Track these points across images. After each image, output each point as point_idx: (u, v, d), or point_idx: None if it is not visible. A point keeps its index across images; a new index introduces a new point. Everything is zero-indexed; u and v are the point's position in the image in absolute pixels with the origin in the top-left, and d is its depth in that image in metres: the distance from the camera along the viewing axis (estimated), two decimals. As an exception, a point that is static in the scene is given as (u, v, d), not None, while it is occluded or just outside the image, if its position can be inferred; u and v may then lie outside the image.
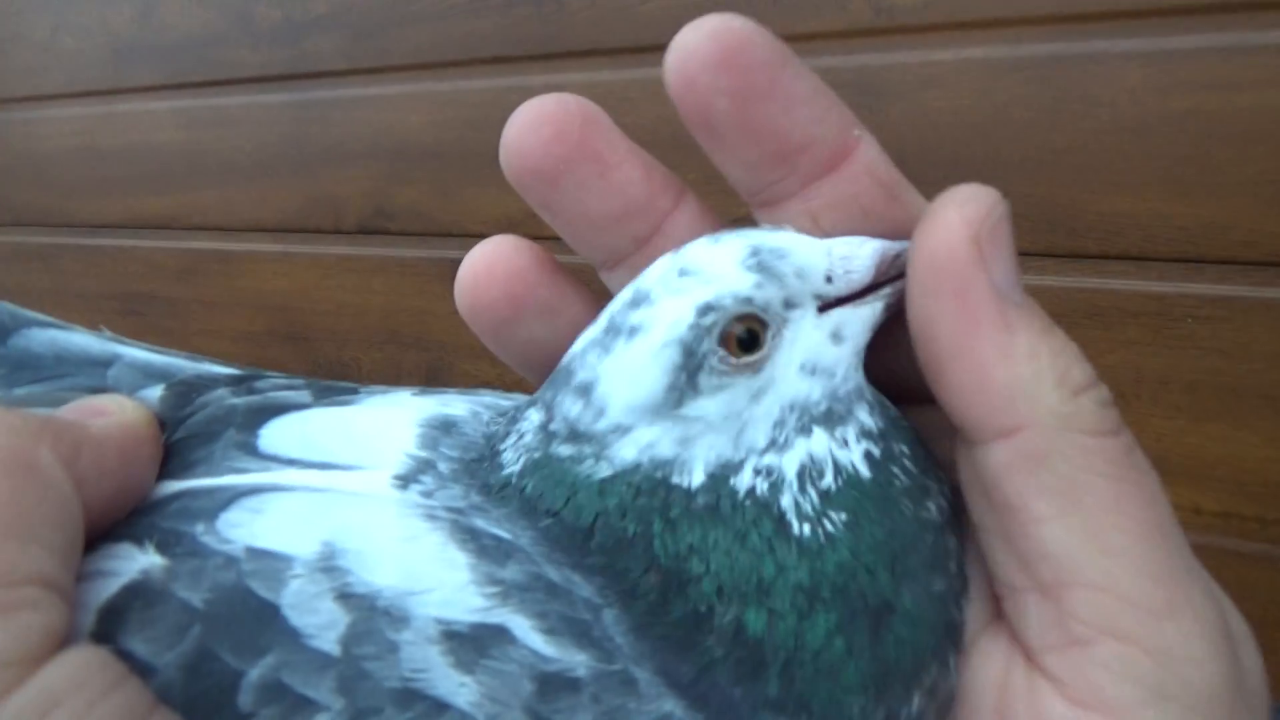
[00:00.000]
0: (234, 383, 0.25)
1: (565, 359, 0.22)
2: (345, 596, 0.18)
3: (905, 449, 0.21)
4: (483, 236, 0.77)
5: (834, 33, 0.67)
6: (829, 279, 0.21)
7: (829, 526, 0.20)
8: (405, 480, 0.21)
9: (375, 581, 0.18)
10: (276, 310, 1.01)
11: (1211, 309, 0.60)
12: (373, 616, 0.18)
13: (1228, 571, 0.63)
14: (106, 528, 0.20)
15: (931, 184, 0.65)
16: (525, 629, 0.18)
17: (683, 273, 0.21)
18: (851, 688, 0.19)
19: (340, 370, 0.98)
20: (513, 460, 0.21)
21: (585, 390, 0.21)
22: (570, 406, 0.21)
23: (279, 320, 1.01)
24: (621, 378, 0.20)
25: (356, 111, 0.90)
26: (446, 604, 0.18)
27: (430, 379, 0.93)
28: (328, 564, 0.18)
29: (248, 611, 0.18)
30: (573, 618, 0.18)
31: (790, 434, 0.21)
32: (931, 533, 0.21)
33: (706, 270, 0.21)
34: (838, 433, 0.21)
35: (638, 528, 0.19)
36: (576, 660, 0.18)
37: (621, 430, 0.20)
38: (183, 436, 0.23)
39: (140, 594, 0.19)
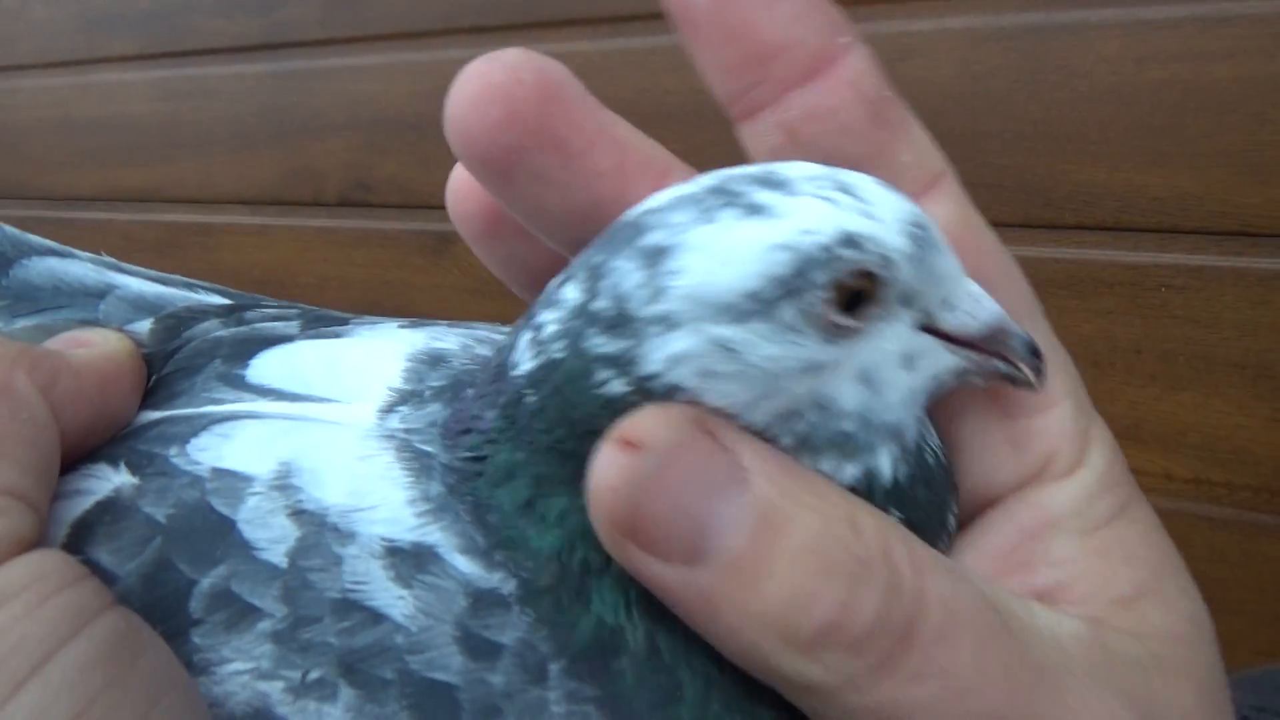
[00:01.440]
0: (225, 313, 0.25)
1: (631, 213, 0.19)
2: (297, 513, 0.19)
3: (904, 515, 0.19)
4: (463, 208, 0.76)
5: (814, 2, 0.67)
6: (952, 305, 0.19)
7: None
8: (386, 413, 0.20)
9: (325, 499, 0.19)
10: (256, 284, 1.00)
11: (1185, 278, 0.60)
12: (320, 531, 0.18)
13: (1198, 536, 0.65)
14: (86, 452, 0.21)
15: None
16: (449, 549, 0.18)
17: (843, 189, 0.18)
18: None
19: (321, 343, 0.99)
20: (526, 359, 0.18)
21: (656, 256, 0.17)
22: (629, 275, 0.17)
23: (259, 293, 1.01)
24: (713, 255, 0.17)
25: (335, 82, 0.89)
26: (389, 521, 0.18)
27: (412, 351, 0.93)
28: (283, 482, 0.19)
29: (206, 525, 0.19)
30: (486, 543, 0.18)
31: (793, 436, 0.18)
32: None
33: (872, 204, 0.18)
34: (840, 463, 0.18)
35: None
36: (500, 580, 0.18)
37: (665, 325, 0.17)
38: (170, 370, 0.23)
39: (110, 509, 0.19)
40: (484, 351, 0.22)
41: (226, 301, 0.26)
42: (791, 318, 0.17)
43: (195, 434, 0.20)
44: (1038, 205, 0.63)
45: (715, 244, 0.17)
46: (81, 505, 0.20)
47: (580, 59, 0.77)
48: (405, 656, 0.17)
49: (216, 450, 0.20)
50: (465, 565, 0.18)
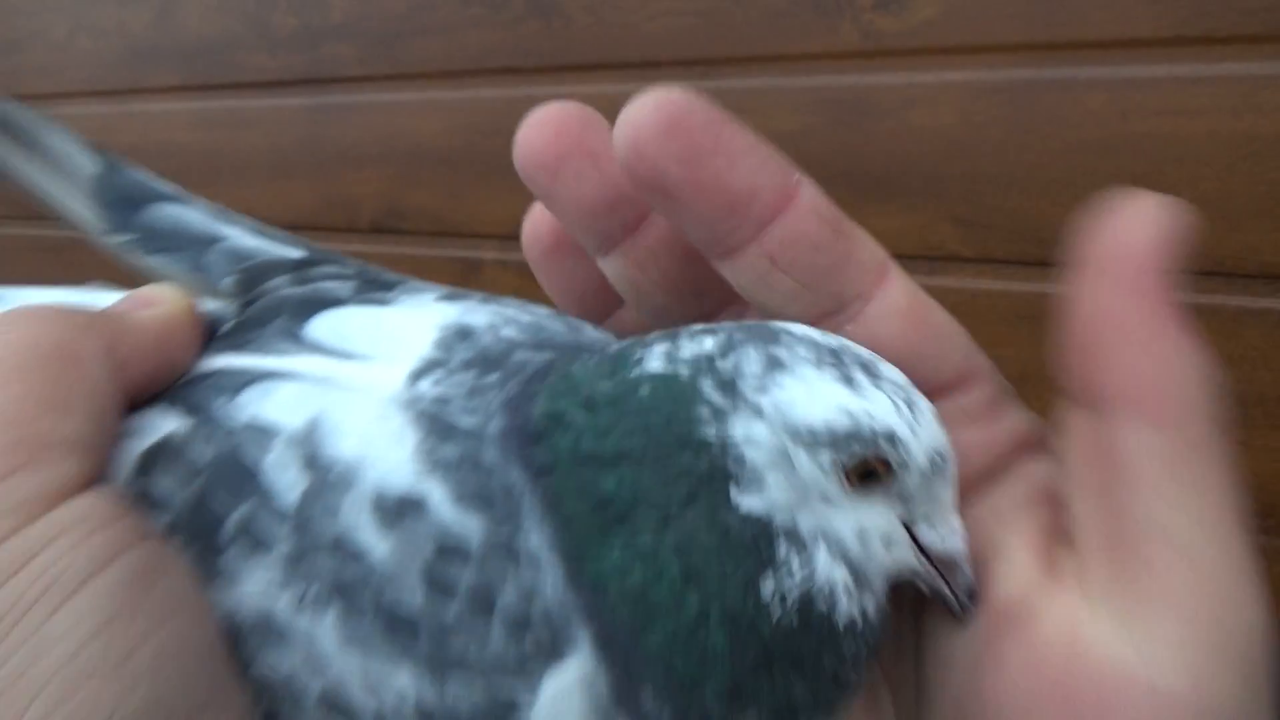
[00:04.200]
0: (293, 269, 0.29)
1: (779, 325, 0.24)
2: (311, 464, 0.22)
3: (867, 627, 0.23)
4: (492, 238, 0.83)
5: (824, 54, 0.73)
6: (933, 524, 0.23)
7: (793, 617, 0.21)
8: (416, 376, 0.24)
9: (337, 453, 0.22)
10: (290, 304, 1.06)
11: (1164, 314, 0.65)
12: (327, 481, 0.22)
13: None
14: (151, 395, 0.25)
15: (914, 194, 0.72)
16: (439, 499, 0.21)
17: (910, 403, 0.23)
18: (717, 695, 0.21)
19: (352, 362, 1.03)
20: (657, 361, 0.23)
21: (775, 365, 0.22)
22: (752, 363, 0.22)
23: (292, 313, 1.06)
24: (808, 391, 0.22)
25: (371, 116, 0.95)
26: (386, 475, 0.22)
27: (439, 371, 0.98)
28: (306, 436, 0.22)
29: (238, 470, 0.22)
30: (484, 493, 0.21)
31: (827, 548, 0.22)
32: (856, 670, 0.23)
33: (921, 425, 0.22)
34: (846, 577, 0.22)
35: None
36: (473, 530, 0.21)
37: (755, 413, 0.22)
38: (245, 318, 0.27)
39: (167, 448, 0.23)
40: (509, 332, 0.25)
41: (299, 255, 0.30)
42: (826, 461, 0.21)
43: (243, 388, 0.24)
44: (1031, 244, 0.68)
45: (813, 385, 0.22)
46: (145, 442, 0.24)
47: (606, 101, 0.82)
48: (381, 589, 0.21)
49: (257, 405, 0.23)
50: (448, 514, 0.21)
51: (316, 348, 0.25)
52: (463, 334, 0.25)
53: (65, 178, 0.30)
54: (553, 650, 0.20)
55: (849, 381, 0.22)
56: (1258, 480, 0.65)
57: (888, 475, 0.22)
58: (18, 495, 0.19)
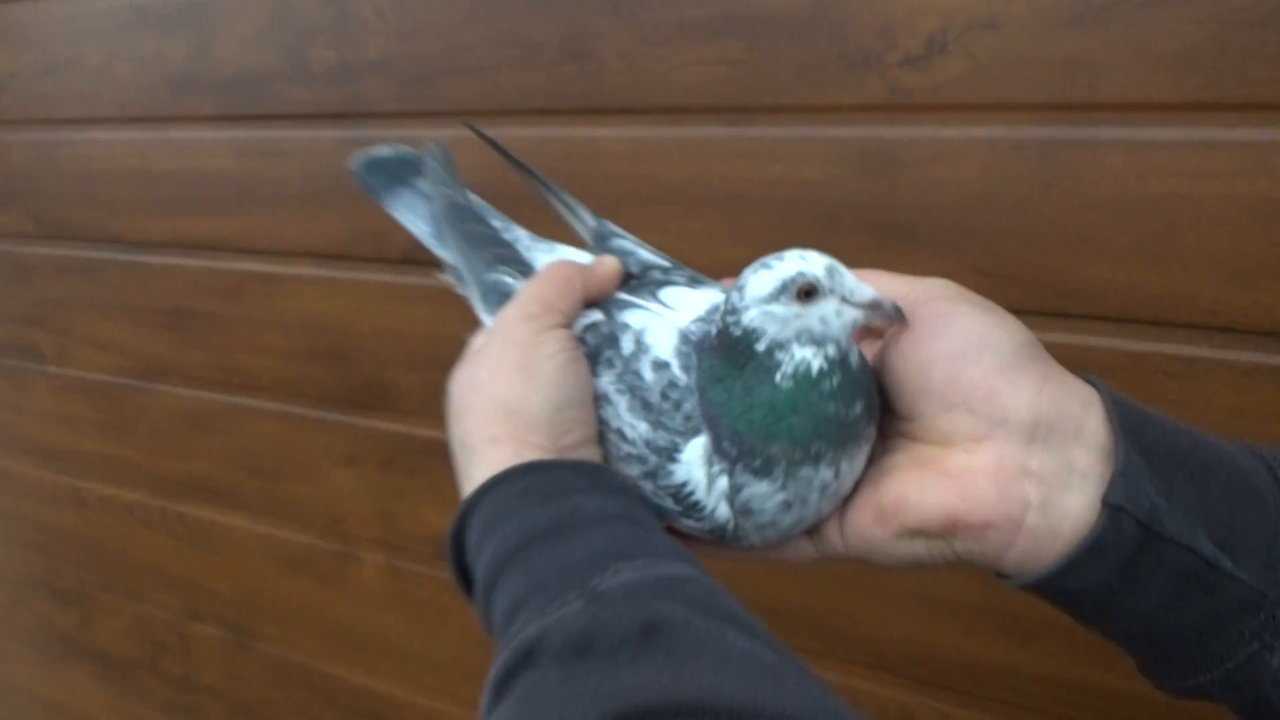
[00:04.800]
0: (663, 270, 0.52)
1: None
2: (635, 341, 0.46)
3: (844, 369, 0.42)
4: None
5: (853, 106, 0.75)
6: (850, 294, 0.42)
7: (789, 382, 0.42)
8: (691, 321, 0.46)
9: (646, 341, 0.46)
10: (319, 331, 1.08)
11: (1180, 367, 0.68)
12: (638, 349, 0.46)
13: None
14: (594, 303, 0.49)
15: (937, 244, 0.74)
16: (673, 364, 0.45)
17: (802, 257, 0.42)
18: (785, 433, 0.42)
19: (380, 390, 1.05)
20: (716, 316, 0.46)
21: (740, 284, 0.43)
22: (734, 293, 0.43)
23: (321, 340, 1.08)
24: (755, 282, 0.42)
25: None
26: (659, 352, 0.46)
27: (465, 400, 1.00)
28: (639, 332, 0.47)
29: (612, 338, 0.47)
30: (686, 364, 0.45)
31: (804, 340, 0.42)
32: (845, 402, 0.42)
33: (810, 260, 0.42)
34: (817, 351, 0.42)
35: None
36: (678, 377, 0.44)
37: (745, 307, 0.42)
38: (634, 284, 0.51)
39: (591, 327, 0.48)
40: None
41: (664, 263, 0.53)
42: (784, 299, 0.42)
43: (625, 309, 0.48)
44: (1050, 296, 0.71)
45: (755, 278, 0.42)
46: (584, 322, 0.48)
47: (637, 144, 0.85)
48: (638, 381, 0.45)
49: (627, 316, 0.48)
50: (674, 367, 0.45)
51: (659, 301, 0.48)
52: (718, 307, 0.45)
53: (580, 221, 0.57)
54: (693, 428, 0.43)
55: (767, 266, 0.42)
56: (1267, 531, 0.67)
57: (815, 288, 0.41)
58: (545, 323, 0.46)
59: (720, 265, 0.83)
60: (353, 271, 1.04)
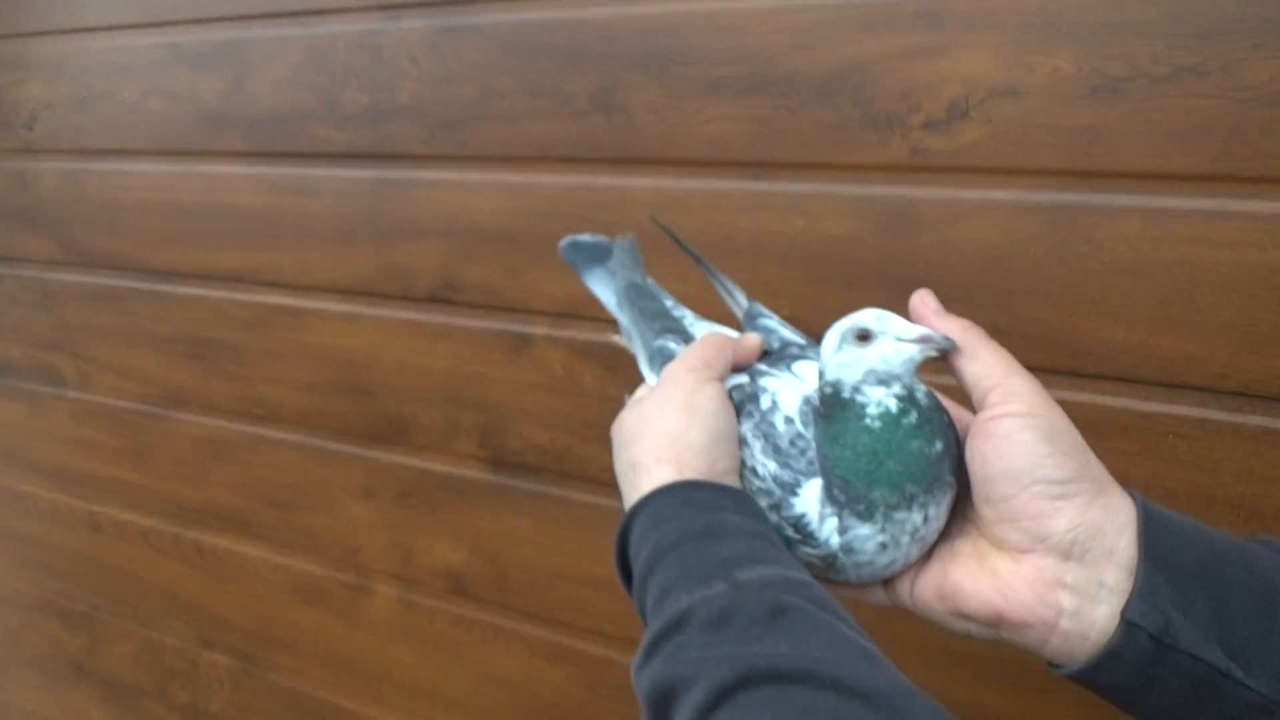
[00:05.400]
0: (799, 346, 0.59)
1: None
2: (773, 401, 0.54)
3: (916, 405, 0.49)
4: (544, 314, 0.88)
5: (875, 166, 0.78)
6: (902, 334, 0.49)
7: (877, 423, 0.49)
8: (813, 388, 0.54)
9: (778, 400, 0.54)
10: (341, 365, 1.10)
11: (1190, 429, 0.70)
12: (773, 407, 0.53)
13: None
14: (740, 368, 0.57)
15: (957, 302, 0.76)
16: (797, 421, 0.52)
17: (859, 316, 0.51)
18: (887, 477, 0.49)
19: (399, 425, 1.07)
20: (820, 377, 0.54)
21: (820, 355, 0.53)
22: (819, 361, 0.53)
23: (343, 375, 1.10)
24: (825, 344, 0.52)
25: (434, 192, 1.00)
26: (787, 409, 0.53)
27: (485, 438, 1.02)
28: (774, 394, 0.54)
29: (750, 399, 0.55)
30: (805, 419, 0.52)
31: (873, 379, 0.50)
32: (924, 437, 0.49)
33: (863, 313, 0.50)
34: (887, 390, 0.50)
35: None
36: (803, 430, 0.52)
37: (823, 364, 0.52)
38: (774, 356, 0.58)
39: (738, 386, 0.56)
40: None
41: (801, 341, 0.60)
42: (847, 345, 0.50)
43: (762, 376, 0.56)
44: (1064, 355, 0.73)
45: (824, 341, 0.52)
46: (733, 381, 0.56)
47: (663, 194, 0.88)
48: (771, 429, 0.53)
49: (766, 380, 0.55)
50: (797, 422, 0.52)
51: (791, 372, 0.56)
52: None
53: (735, 301, 0.66)
54: (813, 471, 0.51)
55: (831, 329, 0.51)
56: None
57: (870, 333, 0.49)
58: (704, 375, 0.54)
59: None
60: (377, 308, 1.06)
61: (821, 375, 0.52)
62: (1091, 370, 0.72)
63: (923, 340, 0.49)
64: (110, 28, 1.21)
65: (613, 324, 0.67)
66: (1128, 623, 0.43)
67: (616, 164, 0.90)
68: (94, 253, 1.29)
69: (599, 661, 1.01)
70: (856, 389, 0.49)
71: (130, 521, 1.35)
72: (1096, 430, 0.73)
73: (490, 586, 1.06)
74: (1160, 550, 0.44)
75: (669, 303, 0.65)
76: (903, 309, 0.80)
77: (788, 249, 0.82)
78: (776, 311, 0.79)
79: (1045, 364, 0.73)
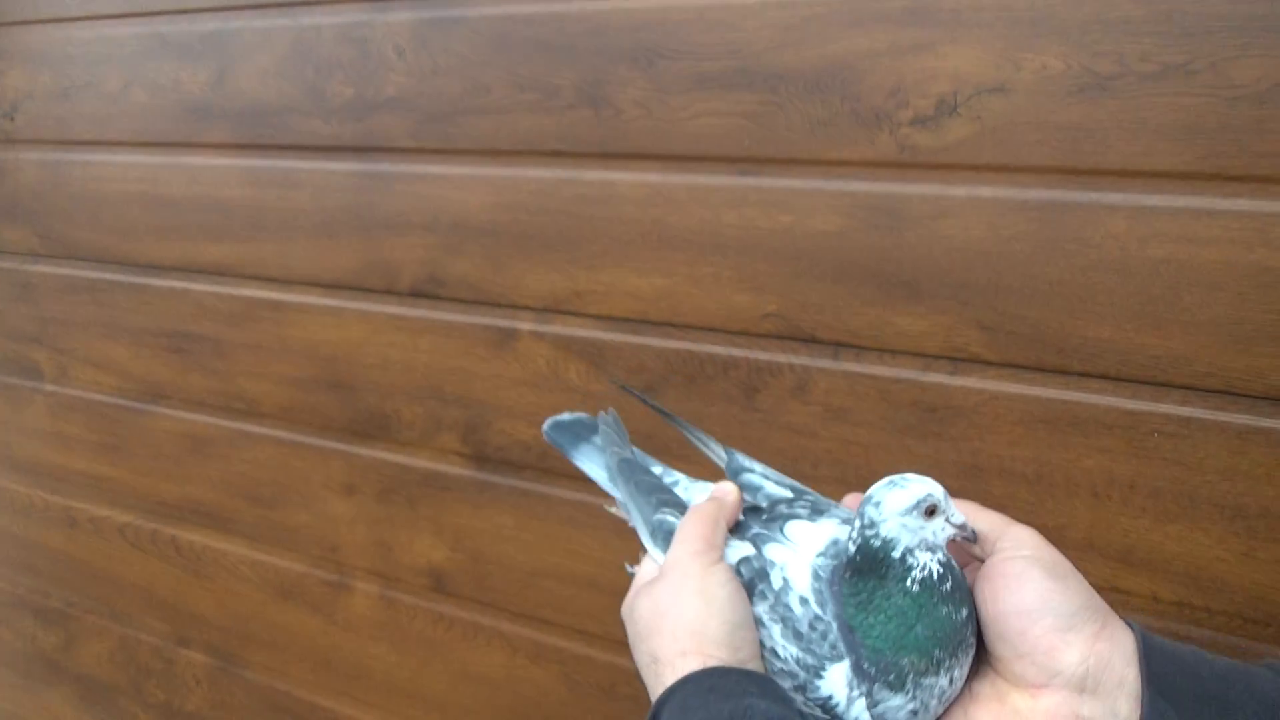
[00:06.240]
0: (788, 502, 0.61)
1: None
2: (784, 579, 0.55)
3: (952, 572, 0.52)
4: (529, 309, 0.88)
5: (862, 162, 0.78)
6: (951, 516, 0.53)
7: (917, 587, 0.51)
8: (816, 555, 0.55)
9: (787, 576, 0.55)
10: (324, 360, 1.09)
11: (1175, 426, 0.70)
12: (783, 585, 0.55)
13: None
14: (729, 527, 0.59)
15: (941, 299, 0.76)
16: (812, 600, 0.54)
17: (921, 481, 0.53)
18: (914, 646, 0.51)
19: (381, 420, 1.06)
20: (852, 544, 0.54)
21: (870, 500, 0.53)
22: (867, 510, 0.53)
23: (325, 369, 1.09)
24: (891, 498, 0.52)
25: (419, 186, 0.99)
26: (799, 587, 0.54)
27: (468, 434, 1.01)
28: (780, 567, 0.55)
29: (760, 576, 0.56)
30: (822, 599, 0.53)
31: (924, 547, 0.52)
32: (953, 603, 0.51)
33: (934, 489, 0.53)
34: (932, 557, 0.52)
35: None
36: (823, 611, 0.53)
37: (881, 520, 0.52)
38: (766, 517, 0.60)
39: (745, 560, 0.56)
40: (846, 543, 0.55)
41: (787, 495, 0.62)
42: (915, 514, 0.52)
43: (765, 543, 0.57)
44: (1050, 353, 0.73)
45: (890, 495, 0.52)
46: (738, 555, 0.57)
47: (650, 189, 0.87)
48: (789, 613, 0.54)
49: (770, 553, 0.56)
50: (813, 603, 0.54)
51: (787, 537, 0.57)
52: (835, 541, 0.56)
53: (714, 454, 0.68)
54: (837, 654, 0.52)
55: (901, 486, 0.53)
56: (1261, 590, 0.68)
57: (935, 509, 0.52)
58: (711, 558, 0.55)
59: (728, 310, 0.85)
60: (361, 302, 1.05)
61: (871, 525, 0.52)
62: (1078, 368, 0.72)
63: (961, 527, 0.53)
64: (93, 17, 1.20)
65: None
66: None
67: (604, 158, 0.90)
68: (74, 244, 1.28)
69: (581, 660, 1.00)
70: (910, 551, 0.51)
71: (107, 517, 1.34)
72: (1082, 428, 0.73)
73: (471, 584, 1.05)
74: (1162, 677, 0.47)
75: (659, 470, 0.67)
76: (889, 305, 0.80)
77: (775, 245, 0.82)
78: (762, 308, 0.78)
79: (1031, 361, 0.73)
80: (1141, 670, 0.47)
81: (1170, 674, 0.47)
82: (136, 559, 1.32)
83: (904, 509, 0.51)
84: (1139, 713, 0.47)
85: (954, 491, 0.55)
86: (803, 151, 0.80)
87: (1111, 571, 0.73)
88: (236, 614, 1.25)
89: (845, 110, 0.78)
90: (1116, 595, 0.72)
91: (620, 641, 1.01)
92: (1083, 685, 0.48)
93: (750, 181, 0.83)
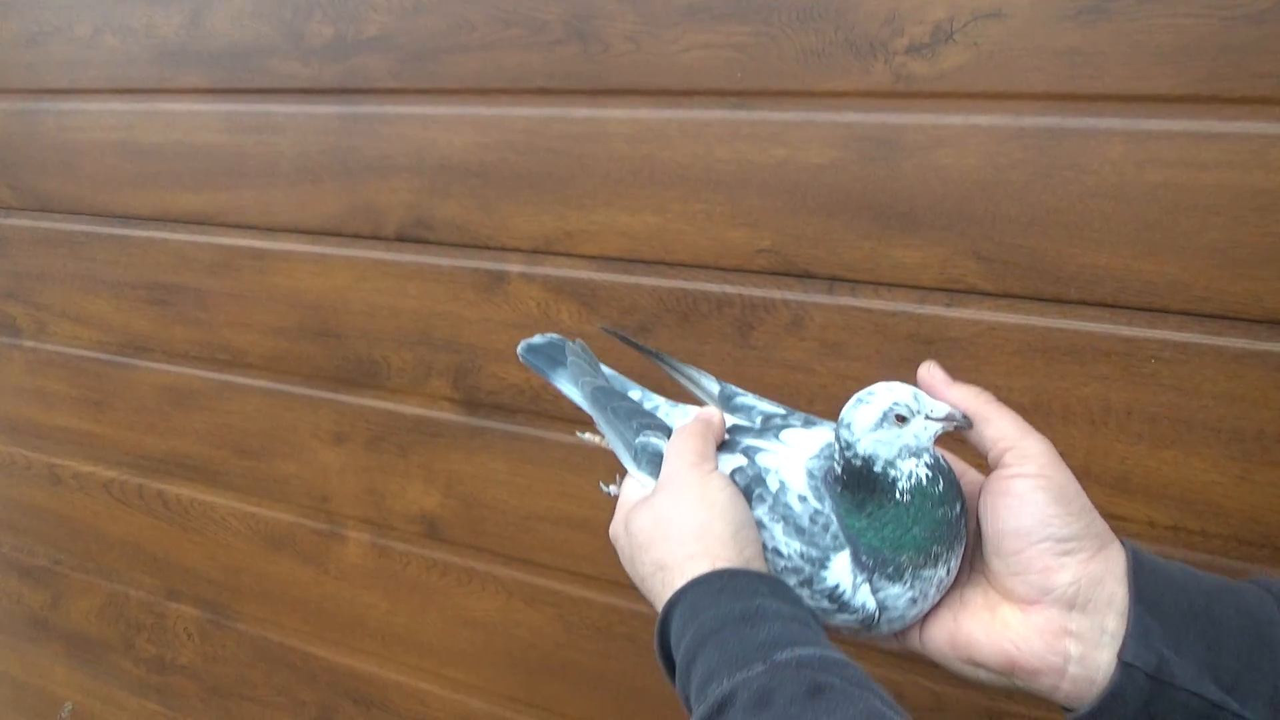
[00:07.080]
0: (782, 415, 0.62)
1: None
2: (780, 481, 0.56)
3: (941, 472, 0.53)
4: (518, 251, 0.86)
5: (857, 92, 0.77)
6: (931, 412, 0.53)
7: (908, 496, 0.53)
8: (809, 458, 0.57)
9: (783, 477, 0.56)
10: (309, 308, 1.07)
11: (1172, 352, 0.70)
12: (780, 485, 0.56)
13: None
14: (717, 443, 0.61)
15: (938, 230, 0.75)
16: (810, 497, 0.55)
17: (891, 389, 0.53)
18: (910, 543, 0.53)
19: (370, 367, 1.05)
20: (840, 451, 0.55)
21: (846, 419, 0.54)
22: (843, 430, 0.54)
23: (311, 317, 1.07)
24: (860, 413, 0.53)
25: (403, 127, 0.97)
26: (795, 486, 0.56)
27: (458, 379, 1.00)
28: (775, 469, 0.57)
29: (756, 481, 0.57)
30: (819, 494, 0.55)
31: (907, 454, 0.53)
32: (948, 503, 0.53)
33: (898, 391, 0.53)
34: (918, 461, 0.53)
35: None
36: (822, 506, 0.55)
37: (856, 438, 0.53)
38: (763, 428, 0.61)
39: (739, 470, 0.58)
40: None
41: (781, 410, 0.62)
42: (887, 424, 0.52)
43: (758, 452, 0.58)
44: (1047, 281, 0.72)
45: (857, 413, 0.53)
46: (732, 465, 0.58)
47: (640, 125, 0.86)
48: (789, 511, 0.56)
49: (763, 459, 0.58)
50: (811, 499, 0.55)
51: (781, 442, 0.59)
52: (830, 444, 0.57)
53: (702, 389, 0.67)
54: (839, 544, 0.54)
55: (866, 401, 0.53)
56: (1256, 513, 0.69)
57: (906, 414, 0.52)
58: (706, 468, 0.57)
59: (721, 246, 0.84)
60: (345, 248, 1.03)
61: (848, 446, 0.53)
62: (1074, 296, 0.72)
63: (948, 419, 0.53)
64: (60, -41, 1.17)
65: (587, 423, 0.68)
66: (1125, 664, 0.47)
67: (593, 95, 0.88)
68: (48, 196, 1.25)
69: (576, 601, 1.01)
70: (890, 464, 0.52)
71: (92, 473, 1.32)
72: (1080, 356, 0.73)
73: (465, 529, 1.05)
74: (1150, 594, 0.48)
75: (637, 395, 0.67)
76: (886, 238, 0.80)
77: (768, 179, 0.81)
78: (756, 244, 0.78)
79: (1029, 291, 0.73)
80: (1130, 587, 0.49)
81: (1158, 590, 0.49)
82: (123, 514, 1.31)
83: (873, 424, 0.52)
84: (1125, 628, 0.48)
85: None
86: (796, 83, 0.79)
87: (1108, 498, 0.73)
88: (227, 566, 1.24)
89: (839, 40, 0.76)
90: (1113, 521, 0.72)
91: (615, 582, 1.01)
92: (1073, 603, 0.49)
93: (742, 115, 0.82)
